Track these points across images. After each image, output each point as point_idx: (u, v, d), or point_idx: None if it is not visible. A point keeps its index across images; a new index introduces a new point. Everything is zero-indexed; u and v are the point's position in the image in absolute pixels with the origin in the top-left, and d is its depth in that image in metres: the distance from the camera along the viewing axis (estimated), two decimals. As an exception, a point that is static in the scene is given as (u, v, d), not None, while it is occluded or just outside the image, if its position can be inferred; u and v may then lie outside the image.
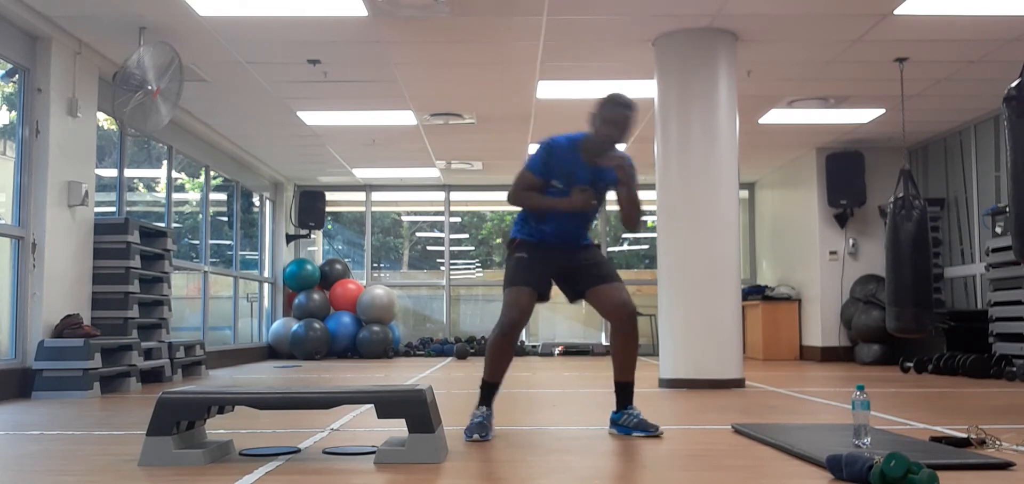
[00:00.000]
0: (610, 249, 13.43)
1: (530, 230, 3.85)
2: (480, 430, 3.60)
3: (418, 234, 14.34)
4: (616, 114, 3.67)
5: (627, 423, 3.77)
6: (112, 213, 7.62)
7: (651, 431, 3.71)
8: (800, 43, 6.75)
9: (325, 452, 3.23)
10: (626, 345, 3.78)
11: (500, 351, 3.73)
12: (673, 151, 6.61)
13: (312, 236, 13.15)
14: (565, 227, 3.80)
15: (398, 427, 3.15)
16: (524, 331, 12.91)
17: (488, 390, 3.75)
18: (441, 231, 13.45)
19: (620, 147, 3.76)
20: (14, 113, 6.18)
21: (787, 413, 4.66)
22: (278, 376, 8.50)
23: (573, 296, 3.87)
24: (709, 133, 6.52)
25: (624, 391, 3.81)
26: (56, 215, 6.24)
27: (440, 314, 13.27)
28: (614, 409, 3.86)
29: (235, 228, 10.88)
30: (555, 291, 3.90)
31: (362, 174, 12.25)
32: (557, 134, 3.81)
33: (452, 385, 6.79)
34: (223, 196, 10.72)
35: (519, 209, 3.86)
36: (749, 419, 4.27)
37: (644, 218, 3.86)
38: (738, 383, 6.45)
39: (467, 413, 3.75)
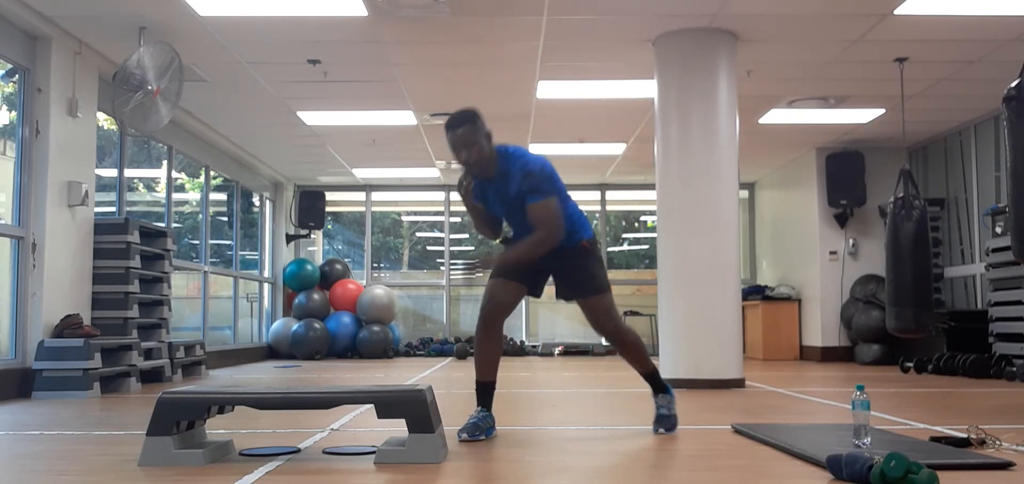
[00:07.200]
0: (610, 249, 13.42)
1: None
2: (472, 430, 3.58)
3: (418, 234, 14.34)
4: (448, 139, 3.57)
5: (657, 413, 3.83)
6: (112, 213, 7.61)
7: (664, 427, 3.78)
8: (800, 43, 6.75)
9: (325, 452, 3.23)
10: (623, 351, 3.83)
11: (479, 345, 3.73)
12: (673, 151, 6.61)
13: (312, 236, 13.15)
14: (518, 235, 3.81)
15: (398, 427, 3.15)
16: (524, 331, 12.95)
17: (481, 390, 3.73)
18: (441, 231, 13.45)
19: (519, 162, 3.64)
20: (14, 113, 6.18)
21: (787, 413, 4.66)
22: (278, 376, 8.50)
23: (562, 296, 3.84)
24: (709, 133, 6.52)
25: (648, 380, 3.84)
26: (56, 215, 6.24)
27: (440, 314, 13.27)
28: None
29: (235, 228, 10.87)
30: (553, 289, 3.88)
31: (362, 174, 12.25)
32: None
33: (452, 385, 6.79)
34: (223, 196, 10.72)
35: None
36: (749, 419, 4.27)
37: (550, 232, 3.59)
38: (738, 383, 6.45)
39: (467, 413, 3.75)
